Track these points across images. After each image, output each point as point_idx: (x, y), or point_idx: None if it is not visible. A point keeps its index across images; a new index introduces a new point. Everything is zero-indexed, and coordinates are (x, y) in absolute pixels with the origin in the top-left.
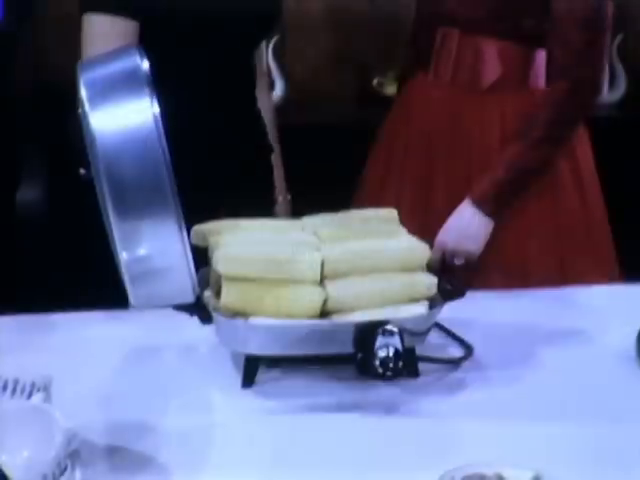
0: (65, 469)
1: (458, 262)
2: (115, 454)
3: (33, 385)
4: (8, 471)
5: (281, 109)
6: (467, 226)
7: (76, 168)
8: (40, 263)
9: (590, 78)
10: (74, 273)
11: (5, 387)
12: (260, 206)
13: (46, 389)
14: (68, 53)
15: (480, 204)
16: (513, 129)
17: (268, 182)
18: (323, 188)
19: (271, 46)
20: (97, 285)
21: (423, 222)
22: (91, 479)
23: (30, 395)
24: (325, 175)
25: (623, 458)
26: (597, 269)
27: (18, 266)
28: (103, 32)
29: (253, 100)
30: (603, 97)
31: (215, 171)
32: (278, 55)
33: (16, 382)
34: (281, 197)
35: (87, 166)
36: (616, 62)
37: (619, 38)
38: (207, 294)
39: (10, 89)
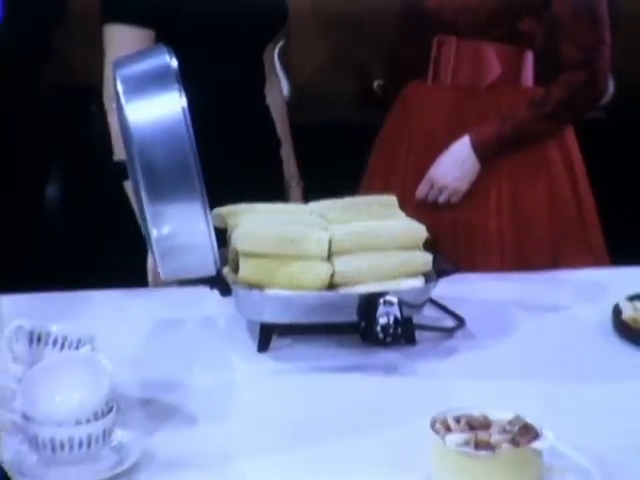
0: (112, 409)
1: (442, 199)
2: (148, 405)
3: (79, 341)
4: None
5: None
6: (461, 165)
7: (98, 163)
8: (64, 250)
9: (604, 73)
10: (95, 259)
11: (55, 342)
12: (270, 194)
13: (91, 342)
14: (83, 53)
15: (479, 149)
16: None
17: (277, 173)
18: (324, 188)
19: (277, 50)
20: (116, 270)
21: (429, 219)
22: (129, 424)
23: (77, 348)
24: (325, 176)
25: (593, 407)
26: (589, 258)
27: (44, 253)
28: (124, 41)
29: (263, 97)
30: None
31: (228, 163)
32: (284, 59)
33: (65, 338)
34: (294, 183)
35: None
36: None
37: None
38: (226, 270)
39: (37, 88)
